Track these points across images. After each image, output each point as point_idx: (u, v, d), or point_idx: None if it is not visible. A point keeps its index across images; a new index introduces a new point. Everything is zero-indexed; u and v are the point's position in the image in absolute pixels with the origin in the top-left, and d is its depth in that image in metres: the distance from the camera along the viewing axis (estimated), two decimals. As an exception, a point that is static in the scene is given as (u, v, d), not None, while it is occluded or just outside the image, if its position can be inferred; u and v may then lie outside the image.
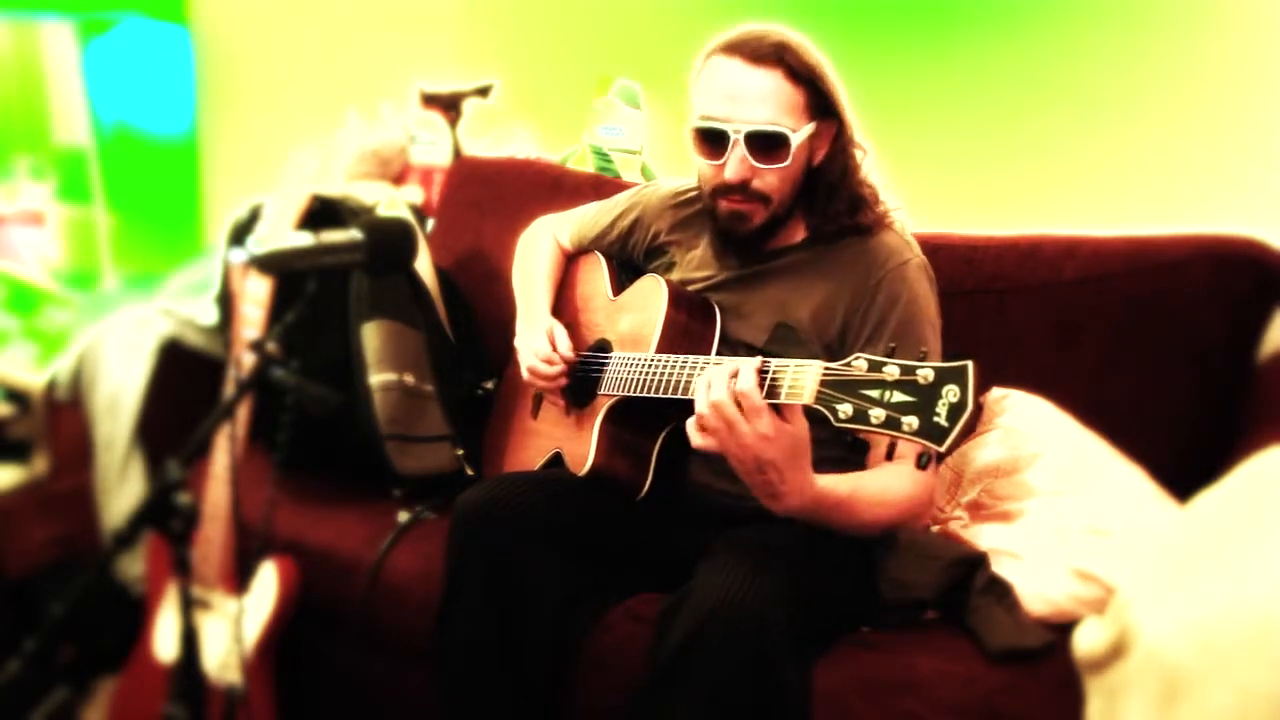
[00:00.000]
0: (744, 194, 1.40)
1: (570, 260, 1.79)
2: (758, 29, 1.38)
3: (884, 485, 1.30)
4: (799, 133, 1.37)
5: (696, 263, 1.56)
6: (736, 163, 1.37)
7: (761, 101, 1.35)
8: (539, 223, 1.85)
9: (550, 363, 1.56)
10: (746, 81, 1.35)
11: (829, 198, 1.44)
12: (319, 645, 1.76)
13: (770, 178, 1.39)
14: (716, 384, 1.13)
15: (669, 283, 1.48)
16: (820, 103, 1.39)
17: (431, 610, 1.46)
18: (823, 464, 1.22)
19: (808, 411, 1.11)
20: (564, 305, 1.73)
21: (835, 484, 1.23)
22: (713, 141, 1.39)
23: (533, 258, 1.78)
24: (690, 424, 1.17)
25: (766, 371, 1.13)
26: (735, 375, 1.13)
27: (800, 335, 1.43)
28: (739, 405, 1.12)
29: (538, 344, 1.59)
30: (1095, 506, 1.42)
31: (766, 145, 1.36)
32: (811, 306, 1.43)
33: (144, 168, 3.26)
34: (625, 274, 1.65)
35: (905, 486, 1.30)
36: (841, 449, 1.39)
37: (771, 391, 1.12)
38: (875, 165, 1.47)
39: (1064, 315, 1.62)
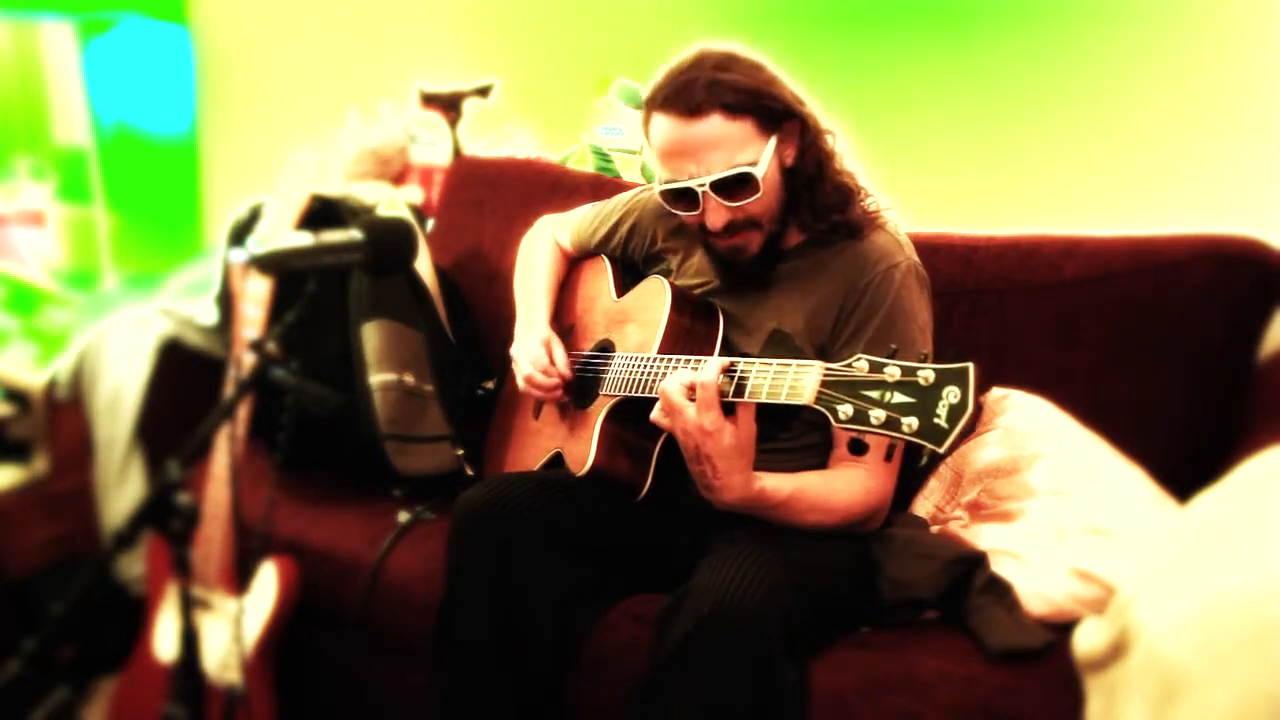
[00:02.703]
0: (731, 230, 1.40)
1: (573, 262, 1.79)
2: (684, 71, 1.35)
3: (829, 491, 1.35)
4: (761, 160, 1.35)
5: (694, 270, 1.56)
6: (713, 211, 1.38)
7: (712, 149, 1.33)
8: (541, 223, 1.85)
9: (548, 374, 1.57)
10: (690, 136, 1.34)
11: (812, 192, 1.43)
12: (319, 645, 1.76)
13: (752, 209, 1.39)
14: (681, 371, 1.23)
15: (672, 285, 1.49)
16: (771, 115, 1.37)
17: (431, 610, 1.46)
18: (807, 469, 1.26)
19: (808, 412, 1.11)
20: (567, 306, 1.73)
21: (777, 486, 1.29)
22: (683, 199, 1.39)
23: (534, 261, 1.78)
24: (657, 404, 1.25)
25: (733, 371, 1.19)
26: (701, 368, 1.21)
27: (794, 341, 1.43)
28: (693, 394, 1.19)
29: (535, 353, 1.59)
30: (1095, 506, 1.42)
31: (735, 185, 1.36)
32: (806, 311, 1.43)
33: (144, 168, 3.26)
34: (628, 276, 1.65)
35: (853, 493, 1.35)
36: (821, 459, 1.40)
37: (739, 390, 1.18)
38: (847, 146, 1.46)
39: (1064, 315, 1.62)
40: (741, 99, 1.33)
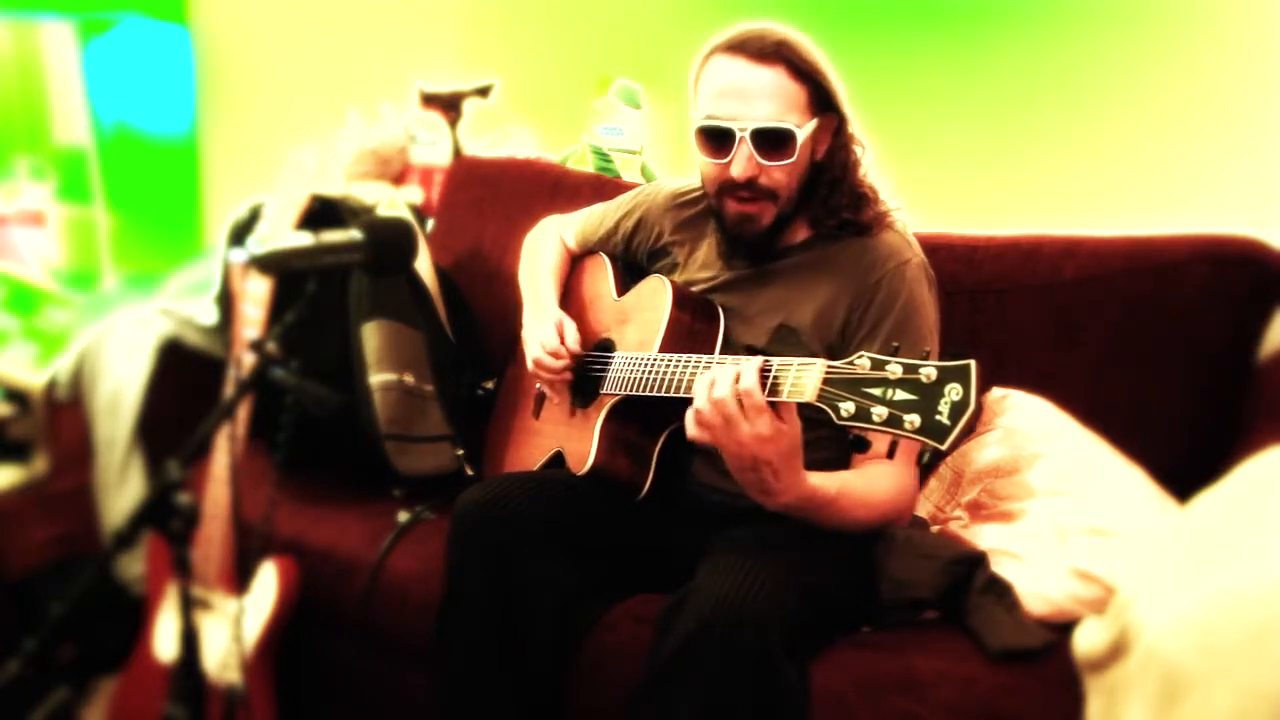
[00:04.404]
0: (751, 191, 1.40)
1: (575, 261, 1.79)
2: (757, 27, 1.38)
3: (869, 486, 1.33)
4: (804, 129, 1.37)
5: (700, 263, 1.57)
6: (743, 160, 1.37)
7: (766, 99, 1.35)
8: (545, 222, 1.85)
9: (557, 356, 1.56)
10: (750, 79, 1.35)
11: (831, 192, 1.44)
12: (319, 645, 1.76)
13: (777, 174, 1.39)
14: (720, 381, 1.16)
15: (673, 283, 1.49)
16: (821, 98, 1.39)
17: (431, 610, 1.46)
18: (815, 466, 1.25)
19: (809, 409, 1.11)
20: (568, 305, 1.73)
21: (825, 482, 1.26)
22: (718, 140, 1.39)
23: (539, 255, 1.78)
24: (689, 415, 1.19)
25: (769, 371, 1.15)
26: (738, 375, 1.15)
27: (801, 336, 1.43)
28: (740, 403, 1.14)
29: (545, 336, 1.59)
30: (1095, 506, 1.42)
31: (773, 142, 1.37)
32: (814, 307, 1.44)
33: (144, 168, 3.26)
34: (629, 275, 1.65)
35: (889, 487, 1.34)
36: (834, 449, 1.39)
37: (773, 390, 1.14)
38: (875, 162, 1.48)
39: (1064, 315, 1.63)
40: (805, 67, 1.37)
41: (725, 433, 1.16)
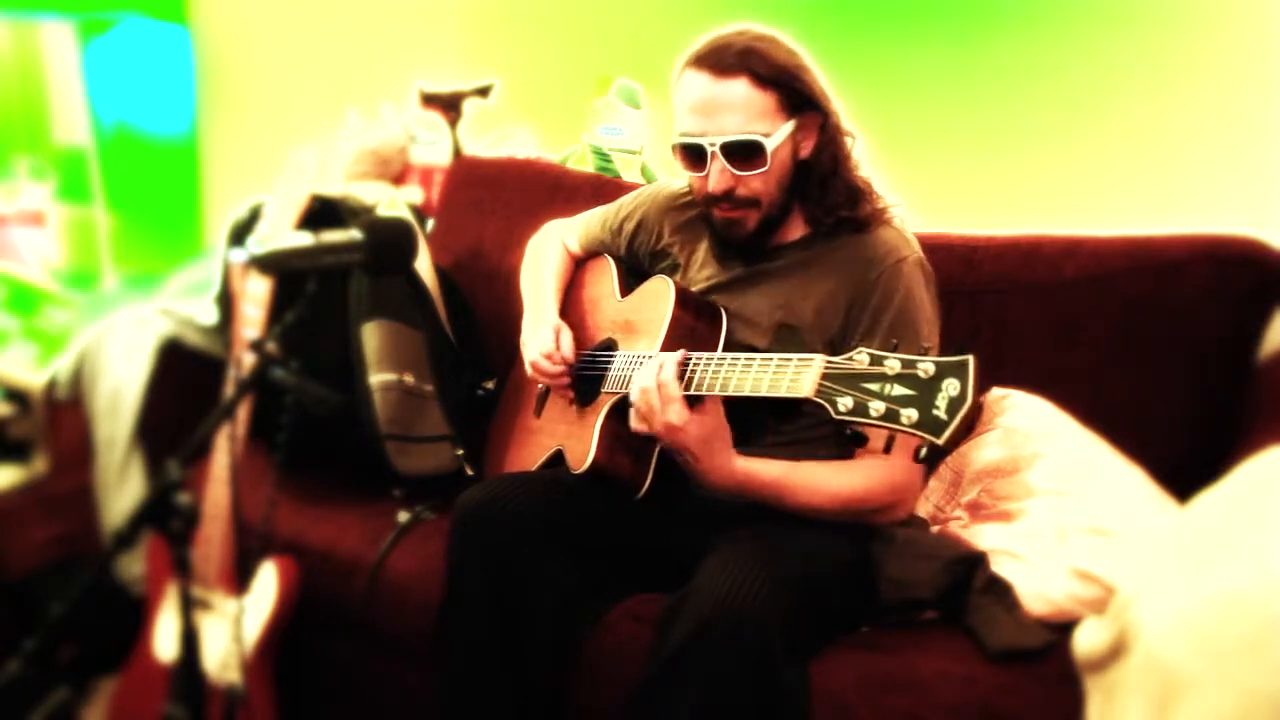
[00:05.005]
0: (731, 202, 1.42)
1: (579, 264, 1.80)
2: (724, 36, 1.39)
3: (826, 474, 1.36)
4: (774, 136, 1.37)
5: (699, 264, 1.57)
6: (717, 174, 1.39)
7: (731, 112, 1.36)
8: (547, 227, 1.85)
9: (552, 360, 1.57)
10: (714, 94, 1.37)
11: (824, 189, 1.44)
12: (319, 645, 1.76)
13: (754, 183, 1.40)
14: (645, 373, 1.28)
15: (676, 284, 1.49)
16: (797, 99, 1.39)
17: (431, 610, 1.46)
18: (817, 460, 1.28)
19: (809, 405, 1.11)
20: (572, 307, 1.73)
21: (763, 468, 1.34)
22: (692, 156, 1.41)
23: (540, 260, 1.79)
24: (632, 408, 1.31)
25: (688, 364, 1.26)
26: (661, 367, 1.27)
27: (802, 334, 1.43)
28: (660, 394, 1.25)
29: (543, 340, 1.60)
30: (1095, 506, 1.42)
31: (743, 153, 1.37)
32: (813, 304, 1.44)
33: (144, 168, 3.26)
34: (633, 277, 1.66)
35: (854, 480, 1.36)
36: (835, 448, 1.39)
37: (698, 385, 1.25)
38: (865, 152, 1.48)
39: (1064, 315, 1.62)
40: (771, 72, 1.36)
41: (648, 421, 1.28)
